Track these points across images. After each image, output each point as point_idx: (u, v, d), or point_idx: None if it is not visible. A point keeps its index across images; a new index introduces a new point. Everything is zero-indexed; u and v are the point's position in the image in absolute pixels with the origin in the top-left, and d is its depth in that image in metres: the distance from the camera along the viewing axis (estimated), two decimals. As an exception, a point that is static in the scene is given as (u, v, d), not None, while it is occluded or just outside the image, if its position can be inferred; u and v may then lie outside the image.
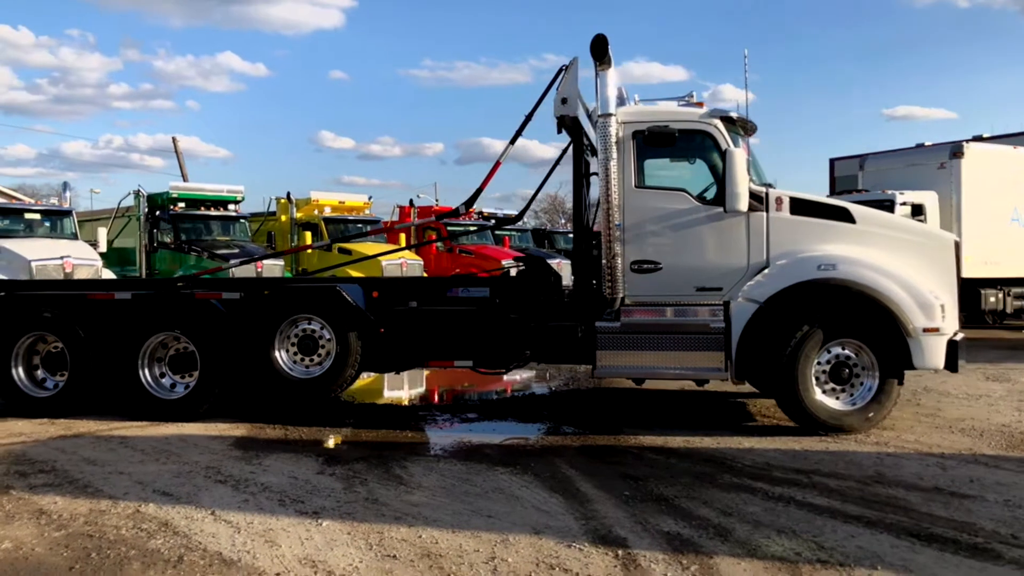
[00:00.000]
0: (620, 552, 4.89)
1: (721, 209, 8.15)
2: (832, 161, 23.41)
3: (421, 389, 11.46)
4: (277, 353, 8.82)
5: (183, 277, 12.11)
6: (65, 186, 20.01)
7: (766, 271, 8.15)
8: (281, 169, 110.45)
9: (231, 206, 21.18)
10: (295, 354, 8.86)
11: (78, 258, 17.29)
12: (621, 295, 8.36)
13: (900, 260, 8.18)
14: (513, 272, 9.86)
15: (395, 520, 5.52)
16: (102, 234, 19.13)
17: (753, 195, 8.19)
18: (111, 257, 21.20)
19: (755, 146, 9.61)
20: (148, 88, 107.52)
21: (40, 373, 9.50)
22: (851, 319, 7.97)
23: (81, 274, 17.14)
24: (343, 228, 22.45)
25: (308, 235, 21.71)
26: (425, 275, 20.74)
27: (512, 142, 8.79)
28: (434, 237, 22.99)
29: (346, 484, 6.45)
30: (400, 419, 9.26)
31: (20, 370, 9.39)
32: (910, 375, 8.18)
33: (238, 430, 8.48)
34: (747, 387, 8.95)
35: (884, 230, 8.31)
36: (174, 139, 38.96)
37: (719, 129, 8.29)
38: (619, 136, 8.32)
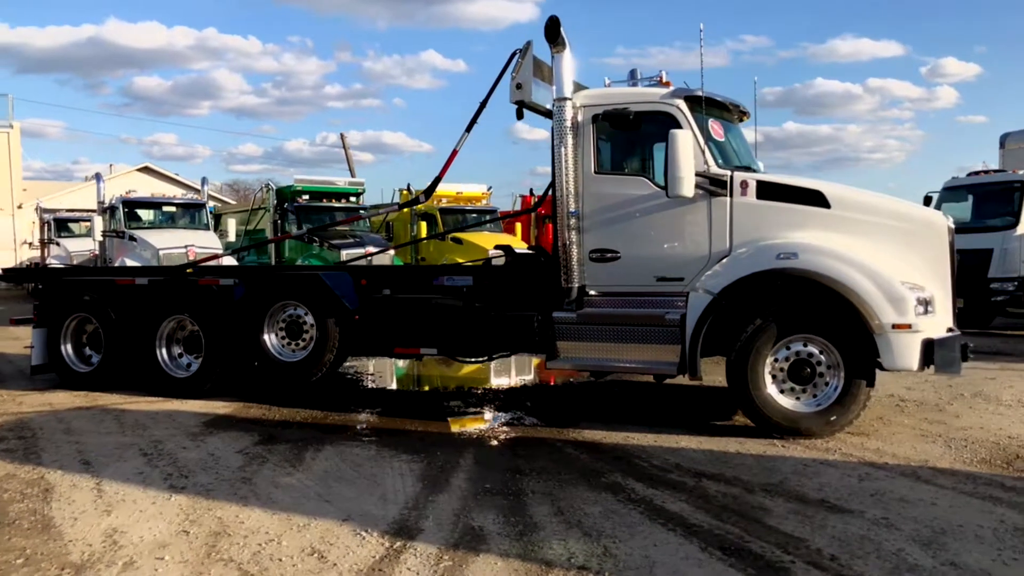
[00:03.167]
0: (397, 543, 4.83)
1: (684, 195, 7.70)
2: (1002, 138, 21.19)
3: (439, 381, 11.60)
4: (266, 337, 9.30)
5: (192, 263, 12.90)
6: (203, 181, 21.88)
7: (724, 260, 7.63)
8: (480, 161, 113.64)
9: (352, 198, 22.22)
10: (283, 338, 9.30)
11: (201, 247, 18.82)
12: (577, 284, 8.11)
13: (881, 248, 7.41)
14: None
15: (238, 500, 5.73)
16: (231, 225, 20.76)
17: (715, 180, 7.69)
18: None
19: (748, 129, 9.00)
20: (358, 88, 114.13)
21: (88, 351, 10.52)
22: (811, 313, 7.31)
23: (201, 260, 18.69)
24: (460, 218, 22.91)
25: (423, 225, 22.35)
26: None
27: (468, 130, 8.73)
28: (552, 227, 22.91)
29: (246, 462, 6.74)
30: (382, 404, 9.50)
31: (68, 347, 10.46)
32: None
33: (226, 408, 9.02)
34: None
35: (863, 215, 7.53)
36: (342, 136, 41.15)
37: (681, 110, 7.82)
38: (577, 120, 8.07)
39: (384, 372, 11.99)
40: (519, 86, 8.19)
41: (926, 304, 7.21)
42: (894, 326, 6.99)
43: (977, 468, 6.32)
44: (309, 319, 9.13)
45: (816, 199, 7.57)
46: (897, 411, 8.47)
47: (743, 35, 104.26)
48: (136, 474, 6.44)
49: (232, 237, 20.58)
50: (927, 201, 17.26)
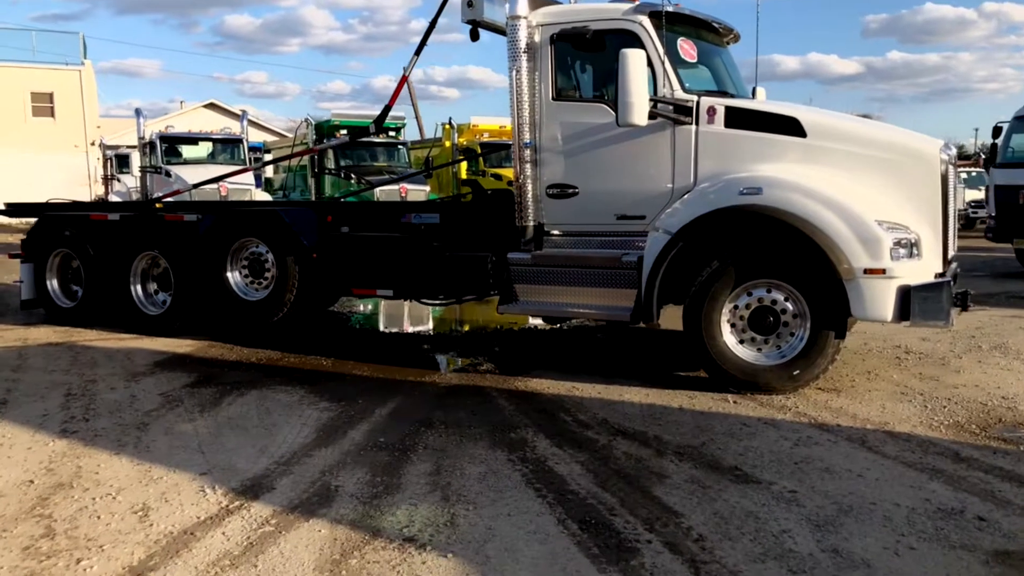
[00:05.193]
0: (236, 503, 4.46)
1: (649, 123, 6.95)
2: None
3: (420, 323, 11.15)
4: (229, 275, 9.02)
5: (160, 198, 12.67)
6: (242, 117, 21.75)
7: (685, 196, 6.88)
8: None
9: (391, 132, 21.79)
10: (246, 276, 9.00)
11: (233, 182, 18.74)
12: (532, 223, 7.50)
13: (862, 182, 6.55)
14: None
15: (116, 447, 5.46)
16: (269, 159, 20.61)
17: (679, 106, 6.90)
18: (293, 183, 22.91)
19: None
20: (444, 22, 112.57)
21: (74, 287, 10.48)
22: (775, 256, 6.53)
23: (235, 196, 18.67)
24: (502, 153, 22.25)
25: (464, 162, 21.79)
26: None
27: (417, 53, 8.10)
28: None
29: (159, 405, 6.50)
30: (352, 347, 9.17)
31: (55, 282, 10.44)
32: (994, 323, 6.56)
33: (188, 347, 8.83)
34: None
35: (844, 145, 6.65)
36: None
37: (645, 28, 7.01)
38: (534, 41, 7.36)
39: (397, 314, 11.53)
40: (470, 3, 7.52)
41: (911, 247, 6.35)
42: (866, 271, 6.18)
43: (941, 433, 5.54)
44: (270, 257, 8.79)
45: (791, 127, 6.73)
46: (893, 364, 7.64)
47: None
48: (40, 416, 6.24)
49: (270, 172, 20.46)
50: (996, 131, 15.78)
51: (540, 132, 7.43)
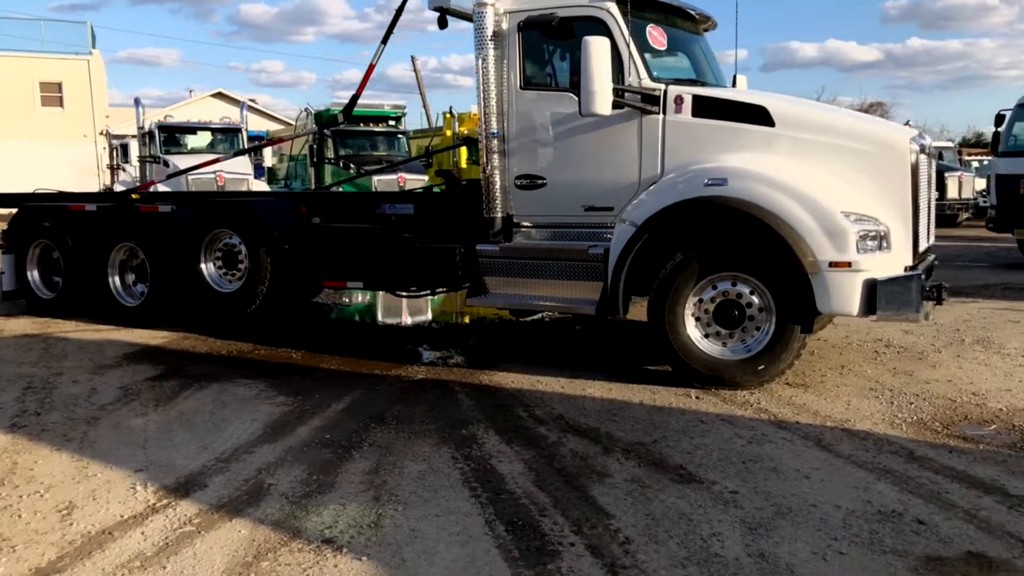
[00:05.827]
0: (164, 501, 4.39)
1: (613, 112, 6.81)
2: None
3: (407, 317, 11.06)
4: (203, 266, 8.94)
5: (136, 189, 12.61)
6: (242, 107, 21.70)
7: (652, 188, 6.74)
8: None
9: (391, 121, 21.69)
10: (220, 268, 8.93)
11: (230, 172, 18.74)
12: (500, 214, 7.39)
13: (831, 172, 6.39)
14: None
15: (60, 442, 5.41)
16: (268, 150, 20.57)
17: (647, 95, 6.75)
18: (295, 172, 22.87)
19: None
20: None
21: (55, 278, 10.45)
22: (739, 248, 6.39)
23: (232, 187, 18.65)
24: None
25: (464, 149, 21.64)
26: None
27: (384, 42, 7.96)
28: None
29: (115, 399, 6.45)
30: (329, 340, 9.11)
31: (35, 273, 10.42)
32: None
33: (162, 339, 8.79)
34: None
35: (812, 134, 6.48)
36: (412, 59, 40.36)
37: (612, 15, 6.86)
38: (502, 29, 7.23)
39: (382, 306, 11.43)
40: (436, -10, 7.37)
41: (880, 239, 6.20)
42: (831, 264, 6.02)
43: (901, 432, 5.40)
44: (243, 248, 8.71)
45: (760, 116, 6.57)
46: (870, 358, 7.48)
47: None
48: (-6, 409, 6.20)
49: (269, 162, 20.42)
50: (999, 119, 15.49)
51: (508, 122, 7.31)
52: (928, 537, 3.82)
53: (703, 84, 7.30)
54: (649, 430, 5.48)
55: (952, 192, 26.06)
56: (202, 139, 21.06)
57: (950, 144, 32.87)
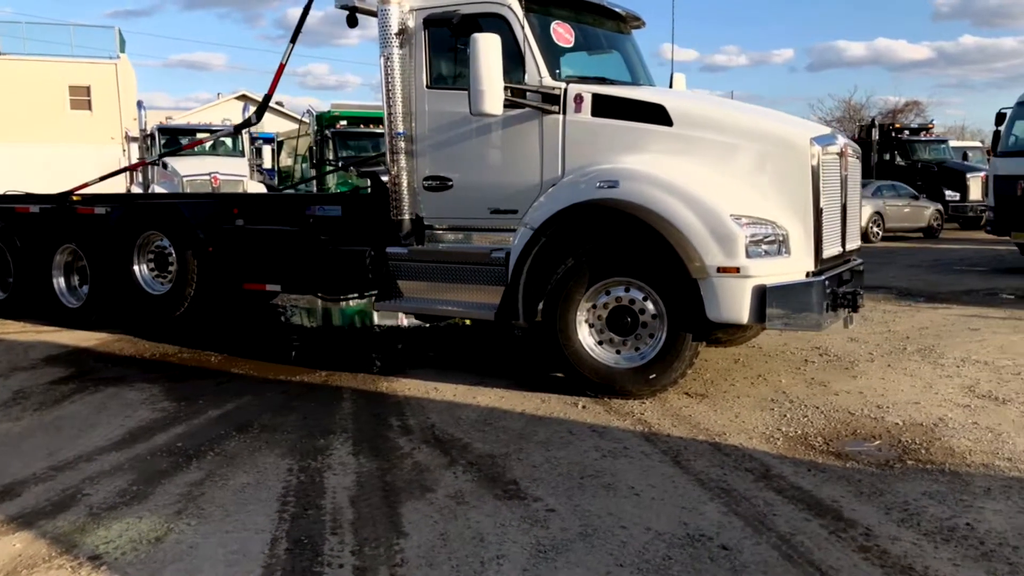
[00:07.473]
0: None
1: (516, 112, 6.62)
2: None
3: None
4: (136, 268, 8.90)
5: (71, 192, 12.46)
6: (245, 107, 21.83)
7: (550, 190, 6.52)
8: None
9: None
10: (152, 270, 8.89)
11: (225, 173, 18.84)
12: (408, 216, 7.21)
13: (729, 174, 6.12)
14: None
15: (-85, 445, 5.37)
16: (267, 152, 20.67)
17: (546, 94, 6.53)
18: (302, 174, 22.94)
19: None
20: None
21: (10, 279, 10.52)
22: (629, 253, 6.13)
23: (227, 188, 18.73)
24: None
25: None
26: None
27: (293, 41, 7.83)
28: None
29: (7, 401, 6.45)
30: (270, 344, 9.02)
31: (-14, 275, 10.50)
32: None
33: (93, 340, 8.79)
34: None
35: (710, 134, 6.20)
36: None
37: (514, 11, 6.64)
38: (408, 26, 7.06)
39: (337, 310, 11.32)
40: (343, -12, 7.23)
41: (779, 244, 5.91)
42: (719, 269, 5.75)
43: (773, 447, 5.10)
44: (172, 251, 8.66)
45: (658, 115, 6.31)
46: (794, 368, 7.16)
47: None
48: None
49: (268, 164, 20.51)
50: (1000, 118, 14.91)
51: (415, 121, 7.13)
52: (721, 565, 3.56)
53: (618, 83, 7.05)
54: (511, 441, 5.26)
55: (975, 193, 25.21)
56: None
57: (978, 144, 31.84)
